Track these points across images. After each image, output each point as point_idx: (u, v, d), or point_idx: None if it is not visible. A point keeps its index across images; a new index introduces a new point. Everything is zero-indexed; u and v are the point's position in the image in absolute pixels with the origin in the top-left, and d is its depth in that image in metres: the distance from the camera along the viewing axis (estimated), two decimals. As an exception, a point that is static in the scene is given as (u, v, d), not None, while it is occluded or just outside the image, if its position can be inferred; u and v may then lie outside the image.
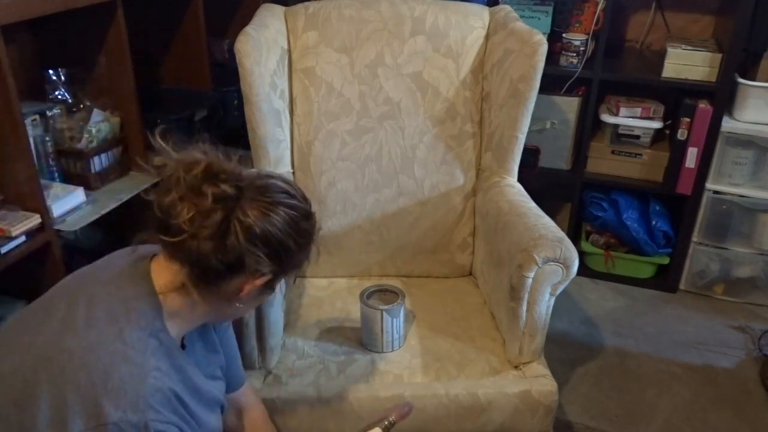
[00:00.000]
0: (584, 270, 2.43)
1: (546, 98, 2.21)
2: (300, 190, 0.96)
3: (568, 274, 1.34)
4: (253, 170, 0.92)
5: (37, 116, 1.55)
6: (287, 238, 0.89)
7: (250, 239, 0.86)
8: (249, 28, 1.56)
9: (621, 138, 2.29)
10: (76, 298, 0.90)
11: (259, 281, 0.90)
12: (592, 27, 2.16)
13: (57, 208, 1.46)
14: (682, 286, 2.38)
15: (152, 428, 0.82)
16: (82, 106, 1.64)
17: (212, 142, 0.91)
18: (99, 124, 1.62)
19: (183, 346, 0.98)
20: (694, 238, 2.28)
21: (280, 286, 1.40)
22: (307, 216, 0.94)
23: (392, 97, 1.69)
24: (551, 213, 1.67)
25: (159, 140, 0.90)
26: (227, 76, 1.96)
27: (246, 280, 0.90)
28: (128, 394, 0.82)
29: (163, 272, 0.91)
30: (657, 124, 2.23)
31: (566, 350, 2.07)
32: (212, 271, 0.87)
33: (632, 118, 2.23)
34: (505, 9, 1.76)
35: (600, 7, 2.12)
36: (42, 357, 0.85)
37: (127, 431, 0.80)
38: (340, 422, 1.34)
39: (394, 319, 1.43)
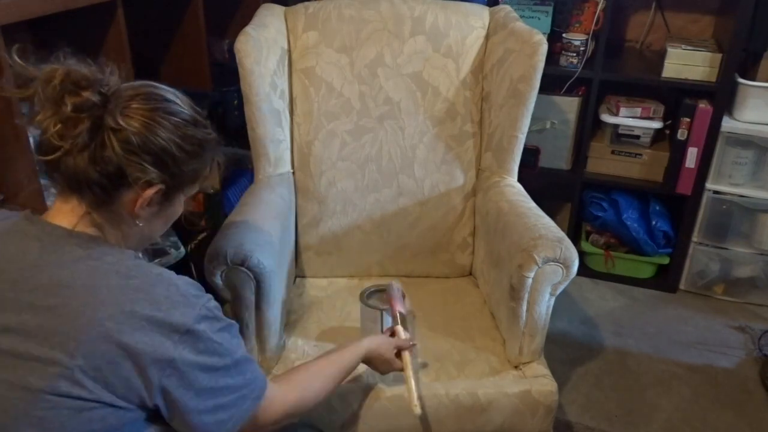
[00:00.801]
0: (584, 270, 2.43)
1: (546, 98, 2.21)
2: (188, 99, 0.93)
3: (568, 274, 1.34)
4: (132, 82, 0.89)
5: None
6: (170, 144, 0.86)
7: (127, 147, 0.83)
8: (249, 28, 1.56)
9: (621, 138, 2.29)
10: (20, 303, 0.83)
11: (150, 192, 0.87)
12: (592, 27, 2.16)
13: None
14: (682, 286, 2.38)
15: (210, 307, 0.88)
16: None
17: (74, 55, 0.87)
18: (99, 123, 1.61)
19: None
20: (694, 238, 2.28)
21: (278, 288, 1.40)
22: (194, 122, 0.91)
23: (392, 97, 1.69)
24: (551, 213, 1.67)
25: (17, 59, 0.86)
26: (227, 76, 1.96)
27: (136, 194, 0.87)
28: (179, 301, 0.85)
29: (61, 215, 0.88)
30: (657, 124, 2.23)
31: (566, 350, 2.07)
32: (97, 187, 0.84)
33: (632, 118, 2.23)
34: (505, 9, 1.76)
35: (600, 7, 2.12)
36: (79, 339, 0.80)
37: (204, 323, 0.86)
38: (340, 422, 1.34)
39: (394, 319, 1.42)
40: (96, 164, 0.83)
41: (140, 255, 0.92)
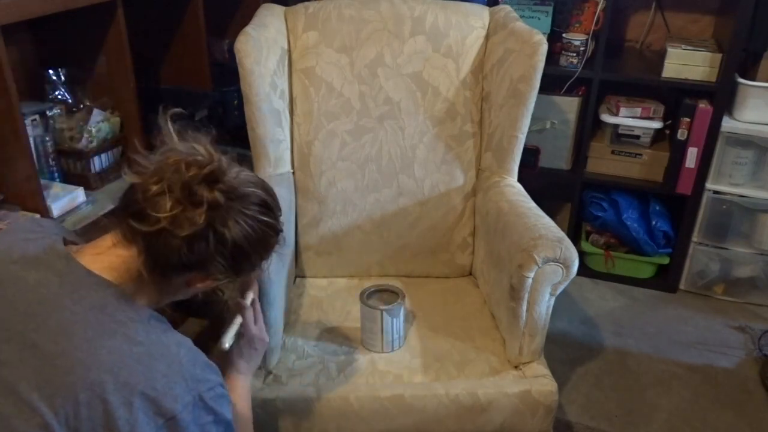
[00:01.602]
0: (584, 270, 2.43)
1: (546, 98, 2.21)
2: (276, 200, 0.95)
3: (568, 274, 1.34)
4: (241, 174, 0.90)
5: (37, 116, 1.56)
6: (253, 253, 0.89)
7: (220, 249, 0.85)
8: (249, 28, 1.56)
9: (621, 138, 2.29)
10: (25, 334, 0.81)
11: (213, 283, 0.90)
12: (592, 27, 2.16)
13: (57, 208, 1.46)
14: (682, 286, 2.38)
15: (208, 397, 0.85)
16: (82, 106, 1.64)
17: (216, 140, 0.89)
18: (99, 124, 1.62)
19: None
20: (694, 238, 2.28)
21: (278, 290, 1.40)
22: (278, 231, 0.94)
23: (392, 97, 1.69)
24: (551, 213, 1.67)
25: (168, 122, 0.88)
26: (227, 76, 1.96)
27: (199, 278, 0.89)
28: (177, 382, 0.83)
29: (104, 257, 0.87)
30: (657, 124, 2.23)
31: (566, 350, 2.07)
32: (171, 265, 0.85)
33: (632, 118, 2.23)
34: (505, 9, 1.76)
35: (600, 7, 2.12)
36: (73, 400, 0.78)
37: (194, 412, 0.83)
38: (340, 422, 1.34)
39: (394, 319, 1.43)
40: (186, 251, 0.83)
41: (157, 315, 0.90)
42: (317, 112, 1.68)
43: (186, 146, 0.87)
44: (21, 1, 1.28)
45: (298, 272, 1.76)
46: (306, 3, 1.74)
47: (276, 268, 1.36)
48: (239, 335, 1.14)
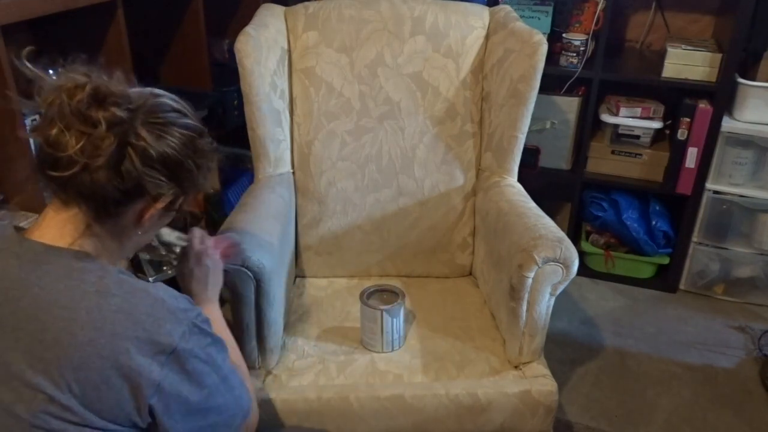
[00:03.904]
0: (584, 270, 2.43)
1: (546, 98, 2.21)
2: (189, 107, 0.92)
3: (568, 274, 1.34)
4: (140, 89, 0.87)
5: (37, 116, 1.55)
6: (185, 158, 0.87)
7: (147, 163, 0.82)
8: (249, 28, 1.56)
9: (621, 138, 2.29)
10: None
11: (161, 203, 0.87)
12: (592, 27, 2.16)
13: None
14: (682, 286, 2.38)
15: (199, 322, 0.86)
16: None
17: (89, 62, 0.85)
18: (99, 124, 1.61)
19: None
20: (694, 238, 2.28)
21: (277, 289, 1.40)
22: (201, 133, 0.90)
23: (392, 97, 1.69)
24: (551, 213, 1.67)
25: (28, 65, 0.83)
26: (227, 76, 1.96)
27: (147, 205, 0.87)
28: (165, 318, 0.83)
29: (50, 228, 0.85)
30: (657, 124, 2.23)
31: (566, 350, 2.07)
32: (111, 201, 0.83)
33: (632, 118, 2.23)
34: (505, 9, 1.76)
35: (600, 7, 2.12)
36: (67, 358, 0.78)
37: (192, 340, 0.84)
38: (340, 422, 1.34)
39: (394, 319, 1.42)
40: (116, 179, 0.81)
41: (124, 270, 0.89)
42: (317, 112, 1.68)
43: (61, 78, 0.82)
44: (21, 1, 1.28)
45: (298, 272, 1.76)
46: (306, 3, 1.74)
47: (276, 268, 1.36)
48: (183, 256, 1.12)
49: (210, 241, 1.16)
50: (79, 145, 0.78)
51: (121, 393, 0.79)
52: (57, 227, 0.85)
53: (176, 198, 0.90)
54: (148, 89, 0.88)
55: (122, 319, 0.80)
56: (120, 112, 0.80)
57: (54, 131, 0.79)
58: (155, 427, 0.84)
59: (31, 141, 1.45)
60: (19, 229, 0.91)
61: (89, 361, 0.78)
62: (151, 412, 0.82)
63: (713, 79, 2.08)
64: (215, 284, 1.14)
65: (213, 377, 0.88)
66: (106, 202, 0.83)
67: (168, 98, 0.89)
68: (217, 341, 0.90)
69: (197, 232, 1.15)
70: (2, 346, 0.80)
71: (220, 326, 1.11)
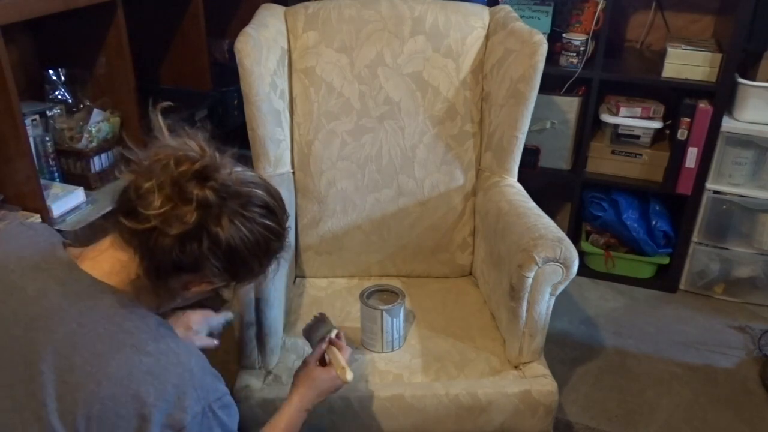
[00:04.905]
0: (584, 270, 2.43)
1: (546, 98, 2.21)
2: (281, 203, 0.91)
3: (568, 274, 1.34)
4: (238, 173, 0.86)
5: (37, 116, 1.56)
6: (252, 258, 0.86)
7: (214, 250, 0.81)
8: (249, 28, 1.56)
9: (621, 138, 2.29)
10: (38, 347, 0.79)
11: (208, 287, 0.87)
12: (592, 27, 2.16)
13: (57, 208, 1.47)
14: (682, 286, 2.38)
15: (216, 408, 0.84)
16: (82, 106, 1.64)
17: (211, 138, 0.86)
18: (99, 123, 1.62)
19: None
20: (694, 238, 2.28)
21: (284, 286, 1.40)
22: (280, 236, 0.89)
23: (392, 97, 1.69)
24: (551, 213, 1.67)
25: (159, 117, 0.85)
26: (227, 76, 1.96)
27: (195, 281, 0.86)
28: (188, 393, 0.81)
29: (103, 262, 0.85)
30: (657, 124, 2.23)
31: (566, 350, 2.07)
32: (166, 266, 0.82)
33: (632, 118, 2.23)
34: (505, 9, 1.76)
35: (600, 7, 2.11)
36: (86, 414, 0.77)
37: (204, 424, 0.82)
38: (340, 422, 1.34)
39: (394, 319, 1.42)
40: (178, 251, 0.80)
41: (164, 321, 0.88)
42: (317, 112, 1.68)
43: (178, 142, 0.83)
44: (21, 1, 1.28)
45: (298, 272, 1.76)
46: (306, 3, 1.74)
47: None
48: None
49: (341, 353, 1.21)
50: (163, 209, 0.78)
51: None
52: (110, 264, 0.85)
53: (226, 285, 0.89)
54: (251, 175, 0.88)
55: (149, 382, 0.79)
56: (213, 197, 0.80)
57: (147, 185, 0.79)
58: None
59: (31, 141, 1.45)
60: (65, 246, 0.89)
61: (105, 414, 0.77)
62: None
63: (713, 79, 2.08)
64: (318, 399, 1.17)
65: None
66: (161, 265, 0.82)
67: (264, 192, 0.87)
68: (226, 426, 0.87)
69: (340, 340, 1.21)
70: (27, 377, 0.78)
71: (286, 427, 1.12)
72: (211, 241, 0.81)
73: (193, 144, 0.83)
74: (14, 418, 0.78)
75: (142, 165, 0.82)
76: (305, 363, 1.21)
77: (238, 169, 0.87)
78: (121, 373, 0.78)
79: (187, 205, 0.79)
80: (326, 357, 1.22)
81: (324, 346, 1.22)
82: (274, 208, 0.88)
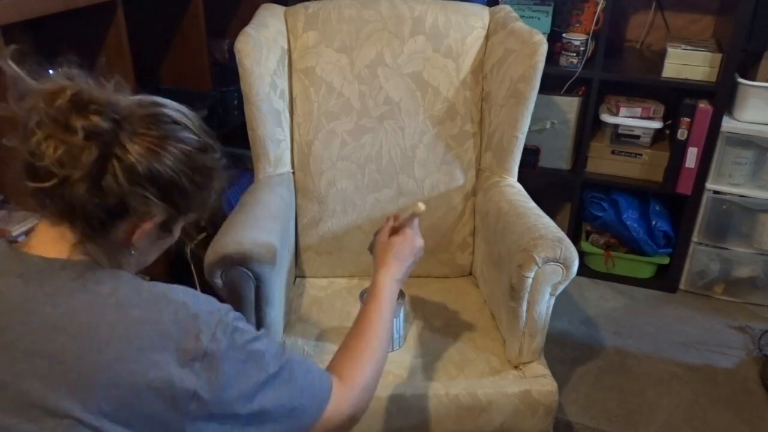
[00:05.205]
0: (584, 270, 2.43)
1: (546, 98, 2.21)
2: (197, 119, 0.83)
3: (568, 274, 1.34)
4: (135, 97, 0.79)
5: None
6: (179, 177, 0.78)
7: (133, 179, 0.74)
8: (249, 28, 1.56)
9: (621, 138, 2.29)
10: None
11: (149, 225, 0.79)
12: (592, 27, 2.16)
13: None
14: (682, 286, 2.38)
15: (230, 320, 0.79)
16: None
17: (85, 65, 0.77)
18: (99, 124, 1.61)
19: None
20: (694, 238, 2.28)
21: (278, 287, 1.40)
22: (204, 148, 0.82)
23: (392, 97, 1.69)
24: (551, 213, 1.67)
25: (12, 64, 0.76)
26: (227, 76, 1.96)
27: (135, 225, 0.79)
28: (191, 322, 0.76)
29: (46, 242, 0.78)
30: (657, 124, 2.23)
31: (566, 350, 2.07)
32: (94, 219, 0.75)
33: (632, 118, 2.23)
34: (505, 9, 1.76)
35: (600, 7, 2.12)
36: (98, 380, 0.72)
37: (225, 340, 0.77)
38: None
39: (394, 319, 1.42)
40: (96, 195, 0.74)
41: (132, 273, 0.83)
42: (317, 112, 1.68)
43: (44, 82, 0.75)
44: (21, 1, 1.28)
45: (298, 272, 1.76)
46: (306, 3, 1.74)
47: (276, 267, 1.36)
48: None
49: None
50: (56, 155, 0.72)
51: (156, 408, 0.73)
52: (52, 241, 0.78)
53: (171, 219, 0.82)
54: (150, 98, 0.81)
55: (148, 330, 0.74)
56: (103, 122, 0.73)
57: (34, 139, 0.73)
58: None
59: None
60: (11, 243, 0.83)
61: (119, 378, 0.72)
62: (199, 426, 0.76)
63: (713, 79, 2.08)
64: (402, 262, 1.11)
65: (260, 373, 0.80)
66: (89, 220, 0.76)
67: (169, 108, 0.80)
68: (261, 337, 0.82)
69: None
70: (16, 374, 0.72)
71: (387, 305, 1.04)
72: (125, 171, 0.74)
73: (58, 78, 0.76)
74: (23, 425, 0.71)
75: (21, 123, 0.75)
76: (377, 240, 1.16)
77: (136, 97, 0.80)
78: (116, 333, 0.73)
79: (76, 139, 0.72)
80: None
81: (390, 222, 1.18)
82: (185, 121, 0.81)
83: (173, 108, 0.81)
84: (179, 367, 0.74)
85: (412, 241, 1.14)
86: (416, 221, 1.16)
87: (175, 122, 0.79)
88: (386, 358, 1.00)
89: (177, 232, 0.88)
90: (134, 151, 0.74)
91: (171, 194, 0.78)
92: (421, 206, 1.13)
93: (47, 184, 0.73)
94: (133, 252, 0.83)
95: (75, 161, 0.72)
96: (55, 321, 0.74)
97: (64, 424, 0.70)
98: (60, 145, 0.72)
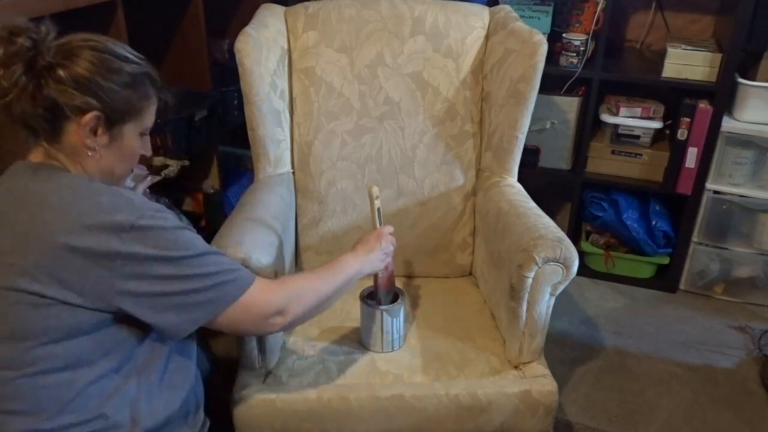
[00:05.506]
0: (584, 270, 2.43)
1: (546, 98, 2.21)
2: (128, 48, 1.02)
3: (568, 274, 1.34)
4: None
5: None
6: (93, 73, 0.95)
7: (57, 79, 0.93)
8: (249, 28, 1.56)
9: (621, 138, 2.29)
10: None
11: (87, 117, 0.95)
12: (592, 27, 2.16)
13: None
14: (682, 286, 2.38)
15: (162, 214, 0.97)
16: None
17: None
18: (99, 123, 1.61)
19: None
20: (694, 238, 2.28)
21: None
22: (122, 58, 0.99)
23: (392, 97, 1.69)
24: (551, 213, 1.67)
25: None
26: (227, 76, 1.96)
27: (78, 123, 0.96)
28: (122, 201, 0.95)
29: (34, 154, 1.01)
30: (657, 124, 2.23)
31: (566, 350, 2.08)
32: (43, 123, 0.95)
33: (632, 118, 2.23)
34: (505, 9, 1.76)
35: (600, 7, 2.12)
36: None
37: (154, 219, 0.95)
38: (340, 422, 1.34)
39: (394, 319, 1.42)
40: (36, 101, 0.93)
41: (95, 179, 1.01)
42: (317, 112, 1.68)
43: None
44: (21, 1, 1.28)
45: (298, 272, 1.76)
46: (306, 3, 1.74)
47: (276, 268, 1.36)
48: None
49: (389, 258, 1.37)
50: (1, 74, 0.91)
51: (89, 270, 0.90)
52: (35, 155, 1.01)
53: (108, 117, 0.97)
54: (76, 36, 0.98)
55: (86, 204, 0.93)
56: (25, 42, 0.92)
57: None
58: (131, 307, 0.94)
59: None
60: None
61: (56, 242, 0.90)
62: (121, 292, 0.92)
63: (713, 79, 2.08)
64: (369, 261, 1.28)
65: (181, 251, 0.95)
66: (40, 125, 0.96)
67: (96, 36, 0.98)
68: (184, 229, 0.98)
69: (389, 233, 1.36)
70: None
71: (335, 274, 1.19)
72: (50, 76, 0.93)
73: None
74: None
75: None
76: None
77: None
78: (61, 205, 0.92)
79: (6, 59, 0.91)
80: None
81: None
82: (108, 42, 0.99)
83: (89, 36, 0.99)
84: (109, 236, 0.91)
85: (378, 231, 1.34)
86: (376, 206, 1.35)
87: (93, 40, 0.98)
88: (328, 301, 1.17)
89: (131, 140, 1.03)
90: (56, 59, 0.93)
91: (91, 89, 0.95)
92: (375, 190, 1.33)
93: (4, 100, 0.93)
94: (89, 153, 0.99)
95: (10, 76, 0.91)
96: (17, 198, 0.95)
97: (8, 270, 0.90)
98: (1, 69, 0.92)
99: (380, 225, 1.37)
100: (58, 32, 0.98)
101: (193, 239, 0.99)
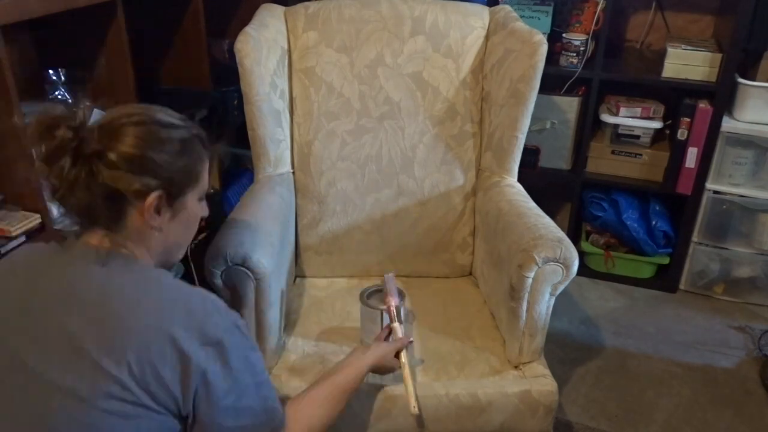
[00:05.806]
0: (584, 270, 2.43)
1: (546, 98, 2.21)
2: (167, 109, 0.97)
3: (568, 274, 1.34)
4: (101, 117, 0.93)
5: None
6: (146, 151, 0.89)
7: (110, 165, 0.87)
8: (249, 28, 1.56)
9: (621, 138, 2.29)
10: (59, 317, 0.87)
11: (150, 199, 0.90)
12: (592, 27, 2.16)
13: (57, 208, 1.46)
14: (682, 286, 2.38)
15: (240, 324, 0.93)
16: (82, 106, 1.64)
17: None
18: (99, 124, 1.61)
19: None
20: (694, 238, 2.28)
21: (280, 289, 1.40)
22: (167, 125, 0.94)
23: (392, 97, 1.69)
24: (551, 213, 1.67)
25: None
26: (227, 76, 1.96)
27: (140, 208, 0.91)
28: (213, 313, 0.90)
29: (93, 243, 0.93)
30: (657, 124, 2.23)
31: (566, 350, 2.08)
32: (104, 211, 0.90)
33: (632, 118, 2.23)
34: (505, 9, 1.76)
35: (600, 7, 2.12)
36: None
37: (235, 338, 0.91)
38: (340, 422, 1.34)
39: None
40: (92, 191, 0.87)
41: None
42: (317, 112, 1.68)
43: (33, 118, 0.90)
44: (21, 1, 1.28)
45: (298, 272, 1.76)
46: (306, 3, 1.74)
47: (276, 268, 1.36)
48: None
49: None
50: (50, 172, 0.87)
51: (173, 376, 0.84)
52: (96, 242, 0.92)
53: (169, 192, 0.92)
54: (120, 106, 0.93)
55: (180, 308, 0.88)
56: (64, 133, 0.86)
57: (36, 165, 0.90)
58: (192, 423, 0.89)
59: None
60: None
61: (150, 343, 0.84)
62: (194, 402, 0.87)
63: (713, 79, 2.08)
64: (377, 364, 1.25)
65: (248, 378, 0.92)
66: (101, 214, 0.90)
67: (131, 106, 0.93)
68: (257, 349, 0.96)
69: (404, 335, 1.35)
70: (75, 326, 0.84)
71: (341, 377, 1.17)
72: (101, 162, 0.87)
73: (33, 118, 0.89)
74: (74, 379, 0.82)
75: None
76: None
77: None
78: (156, 306, 0.87)
79: (50, 155, 0.87)
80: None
81: (385, 331, 1.36)
82: (146, 109, 0.94)
83: (135, 105, 0.94)
84: (199, 345, 0.86)
85: (402, 341, 1.33)
86: (394, 304, 1.36)
87: (126, 115, 0.91)
88: (339, 414, 1.15)
89: (195, 207, 0.99)
90: (103, 145, 0.87)
91: (148, 168, 0.90)
92: (414, 410, 1.26)
93: (58, 195, 0.88)
94: (155, 232, 0.94)
95: (57, 171, 0.86)
96: (110, 292, 0.88)
97: (100, 377, 0.82)
98: (45, 162, 0.87)
99: (398, 323, 1.36)
100: (91, 108, 0.95)
101: (260, 363, 0.97)
